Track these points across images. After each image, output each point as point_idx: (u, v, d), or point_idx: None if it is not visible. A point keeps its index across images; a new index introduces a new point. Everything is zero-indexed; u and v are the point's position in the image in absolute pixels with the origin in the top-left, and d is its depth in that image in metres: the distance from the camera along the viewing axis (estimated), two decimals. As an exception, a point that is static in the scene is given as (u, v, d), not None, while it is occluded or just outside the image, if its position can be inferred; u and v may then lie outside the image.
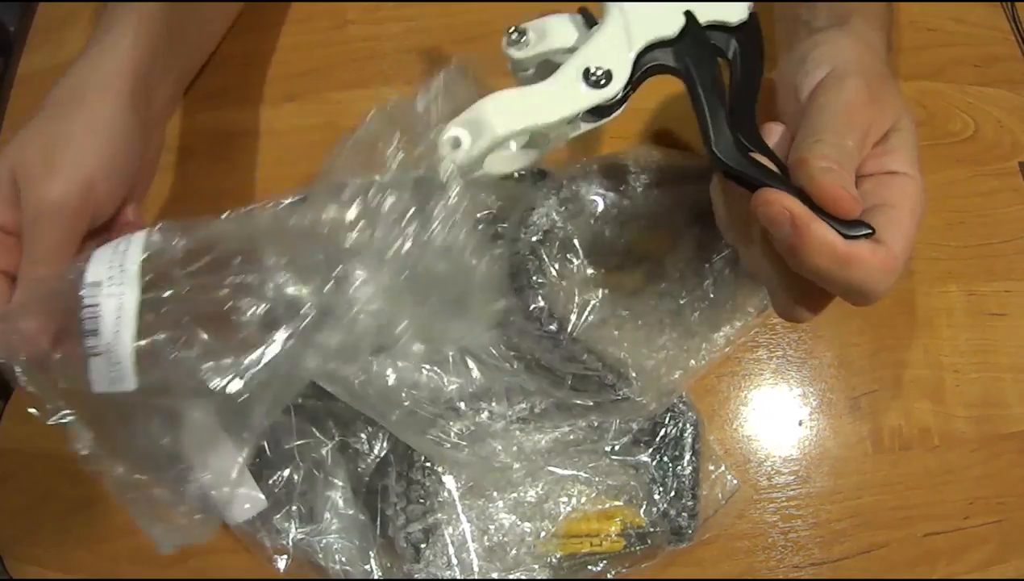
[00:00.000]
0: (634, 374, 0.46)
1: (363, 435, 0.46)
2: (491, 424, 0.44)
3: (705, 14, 0.35)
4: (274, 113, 0.57)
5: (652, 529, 0.44)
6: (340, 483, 0.45)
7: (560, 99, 0.33)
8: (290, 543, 0.44)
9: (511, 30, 0.37)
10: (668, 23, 0.34)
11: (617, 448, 0.45)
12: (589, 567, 0.44)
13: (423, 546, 0.43)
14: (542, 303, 0.47)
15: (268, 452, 0.45)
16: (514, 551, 0.43)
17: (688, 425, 0.45)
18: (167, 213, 0.55)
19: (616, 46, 0.34)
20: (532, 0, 0.58)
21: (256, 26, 0.59)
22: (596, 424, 0.45)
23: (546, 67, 0.37)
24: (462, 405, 0.44)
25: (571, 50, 0.35)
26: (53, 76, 0.62)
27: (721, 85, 0.34)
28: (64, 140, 0.39)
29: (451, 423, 0.44)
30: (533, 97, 0.33)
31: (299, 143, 0.55)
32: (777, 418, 0.48)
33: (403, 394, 0.44)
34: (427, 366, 0.45)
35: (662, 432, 0.46)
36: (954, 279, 0.51)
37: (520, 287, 0.47)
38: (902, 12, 0.58)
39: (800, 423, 0.48)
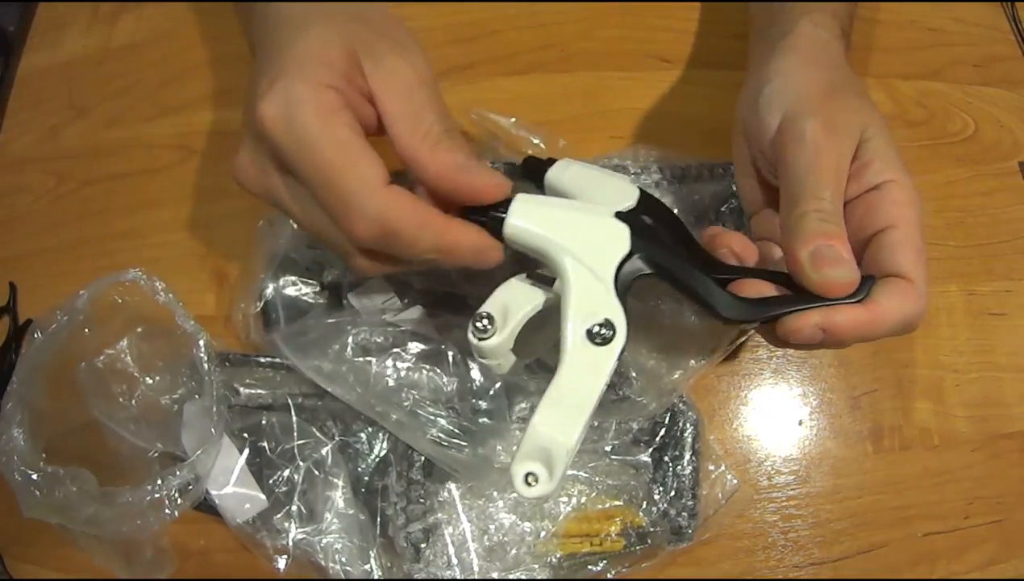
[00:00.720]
0: (634, 374, 0.46)
1: (363, 435, 0.46)
2: (491, 424, 0.44)
3: (613, 208, 0.37)
4: (274, 113, 0.57)
5: (652, 529, 0.44)
6: (340, 483, 0.45)
7: (590, 377, 0.32)
8: (290, 543, 0.44)
9: (474, 323, 0.35)
10: (614, 238, 0.35)
11: (617, 448, 0.45)
12: (589, 567, 0.44)
13: (423, 546, 0.43)
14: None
15: (268, 452, 0.46)
16: (514, 551, 0.43)
17: (688, 425, 0.45)
18: (167, 213, 0.55)
19: (594, 291, 0.33)
20: (532, 0, 0.59)
21: (256, 26, 0.59)
22: (596, 424, 0.45)
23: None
24: (462, 405, 0.44)
25: (541, 311, 0.36)
26: (53, 76, 0.63)
27: (682, 254, 0.37)
28: (388, 27, 0.36)
29: (451, 423, 0.44)
30: (570, 393, 0.32)
31: (299, 143, 0.55)
32: (777, 418, 0.48)
33: (403, 394, 0.44)
34: (427, 366, 0.45)
35: (662, 432, 0.46)
36: (954, 279, 0.51)
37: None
38: (902, 12, 0.58)
39: (800, 423, 0.48)
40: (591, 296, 0.33)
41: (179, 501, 0.42)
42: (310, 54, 0.33)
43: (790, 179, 0.35)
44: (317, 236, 0.36)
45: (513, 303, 0.36)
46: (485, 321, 0.35)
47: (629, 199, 0.38)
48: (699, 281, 0.34)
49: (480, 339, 0.35)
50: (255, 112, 0.32)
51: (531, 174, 0.43)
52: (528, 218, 0.35)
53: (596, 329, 0.32)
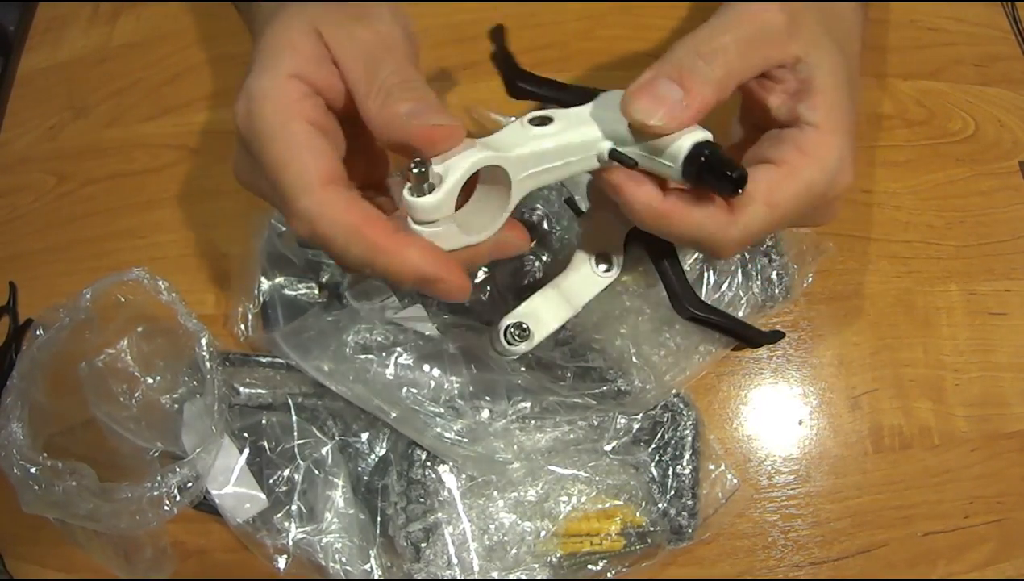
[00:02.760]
0: (635, 369, 0.46)
1: (363, 435, 0.46)
2: (491, 423, 0.44)
3: None
4: (274, 113, 0.57)
5: (652, 528, 0.44)
6: (340, 482, 0.45)
7: (585, 290, 0.41)
8: (290, 542, 0.44)
9: (409, 170, 0.30)
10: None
11: (617, 447, 0.45)
12: (589, 566, 0.44)
13: (423, 545, 0.43)
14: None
15: (268, 452, 0.46)
16: (514, 550, 0.43)
17: (688, 424, 0.45)
18: (167, 213, 0.55)
19: (609, 232, 0.41)
20: (532, 0, 0.59)
21: (256, 26, 0.59)
22: (596, 423, 0.45)
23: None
24: (462, 403, 0.44)
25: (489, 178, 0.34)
26: (53, 76, 0.63)
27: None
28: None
29: (451, 421, 0.44)
30: (566, 294, 0.40)
31: (299, 143, 0.55)
32: (777, 417, 0.48)
33: (403, 392, 0.44)
34: (427, 365, 0.45)
35: (662, 431, 0.46)
36: (954, 278, 0.51)
37: (521, 287, 0.47)
38: (902, 12, 0.58)
39: (800, 422, 0.48)
40: (606, 234, 0.41)
41: (178, 498, 0.43)
42: (275, 44, 0.32)
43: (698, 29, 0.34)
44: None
45: (456, 164, 0.31)
46: (422, 168, 0.30)
47: None
48: (678, 272, 0.40)
49: (417, 195, 0.30)
50: (234, 110, 0.33)
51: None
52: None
53: (601, 259, 0.41)
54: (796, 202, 0.33)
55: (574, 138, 0.33)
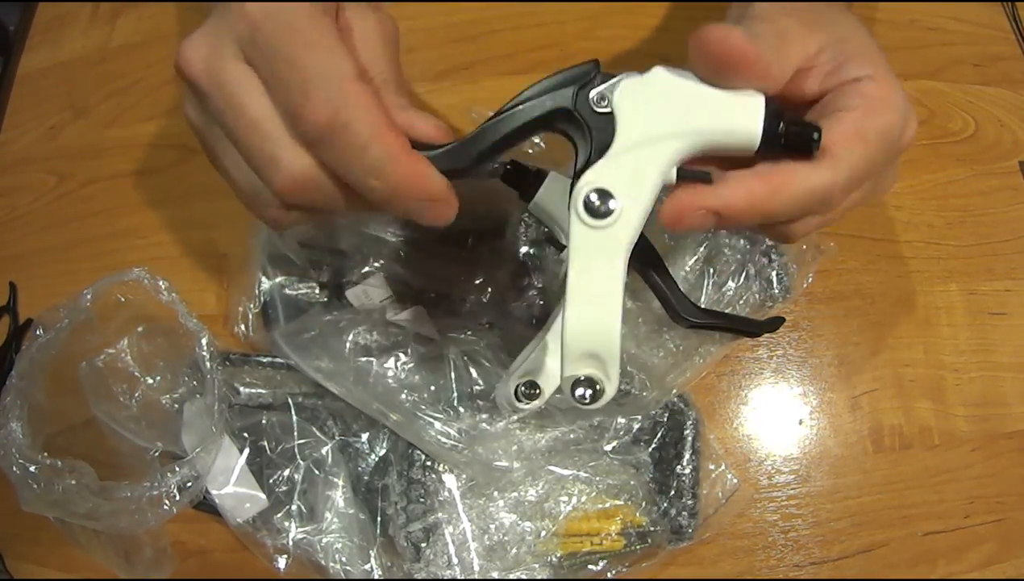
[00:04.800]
0: (635, 371, 0.46)
1: (364, 435, 0.46)
2: (491, 424, 0.44)
3: None
4: (274, 113, 0.57)
5: (652, 528, 0.44)
6: (341, 482, 0.45)
7: None
8: (290, 542, 0.44)
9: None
10: None
11: (617, 447, 0.45)
12: (589, 566, 0.44)
13: (423, 545, 0.43)
14: (541, 303, 0.47)
15: (269, 451, 0.46)
16: (514, 550, 0.43)
17: (688, 424, 0.45)
18: (167, 213, 0.55)
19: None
20: (532, 0, 0.59)
21: (256, 26, 0.59)
22: (596, 423, 0.45)
23: None
24: (461, 407, 0.44)
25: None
26: (53, 75, 0.63)
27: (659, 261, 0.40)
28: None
29: (451, 425, 0.44)
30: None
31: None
32: (777, 417, 0.48)
33: (403, 395, 0.44)
34: (427, 369, 0.45)
35: (662, 431, 0.46)
36: (954, 278, 0.51)
37: (521, 288, 0.47)
38: (902, 11, 0.58)
39: (800, 422, 0.48)
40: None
41: (178, 498, 0.43)
42: None
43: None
44: (236, 163, 0.32)
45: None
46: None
47: None
48: (669, 283, 0.40)
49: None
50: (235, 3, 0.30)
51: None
52: (554, 197, 0.40)
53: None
54: (883, 137, 0.31)
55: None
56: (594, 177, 0.29)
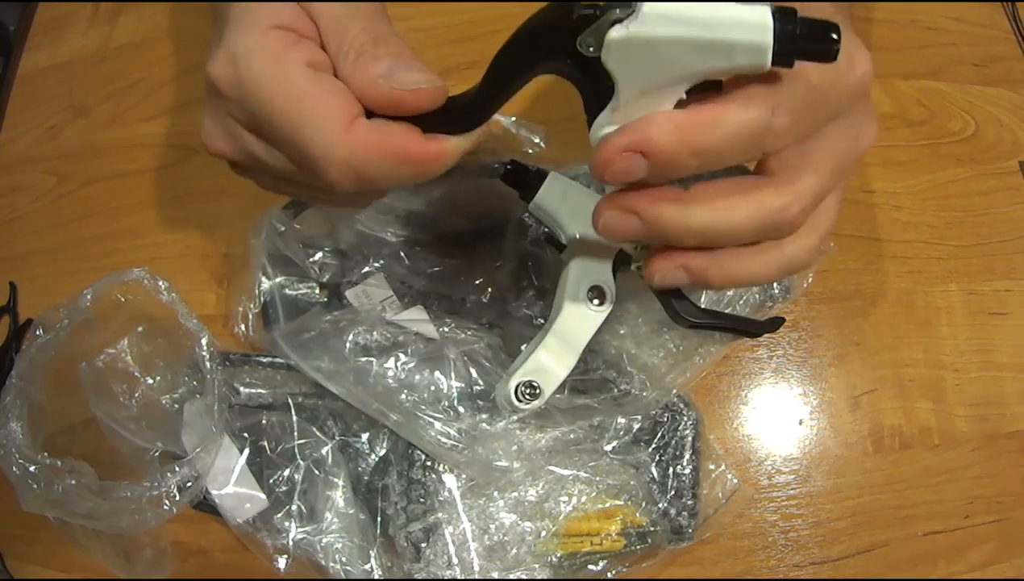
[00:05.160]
0: (635, 371, 0.46)
1: (364, 435, 0.46)
2: (491, 424, 0.44)
3: None
4: (274, 113, 0.57)
5: (652, 528, 0.44)
6: (341, 482, 0.45)
7: (582, 329, 0.40)
8: (290, 542, 0.44)
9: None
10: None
11: (617, 447, 0.45)
12: (589, 566, 0.44)
13: (424, 545, 0.43)
14: (541, 303, 0.47)
15: (269, 452, 0.46)
16: (514, 550, 0.43)
17: (688, 424, 0.45)
18: (168, 213, 0.55)
19: (595, 264, 0.41)
20: (532, 0, 0.59)
21: (256, 26, 0.59)
22: (596, 423, 0.45)
23: None
24: (461, 407, 0.44)
25: None
26: (53, 76, 0.63)
27: None
28: None
29: (450, 425, 0.44)
30: (565, 338, 0.40)
31: (299, 143, 0.55)
32: (777, 417, 0.48)
33: (403, 395, 0.44)
34: (427, 368, 0.45)
35: (662, 431, 0.46)
36: (954, 278, 0.51)
37: (521, 288, 0.47)
38: (902, 11, 0.58)
39: (800, 422, 0.48)
40: (593, 267, 0.40)
41: (178, 498, 0.43)
42: (248, 3, 0.31)
43: None
44: (296, 192, 0.35)
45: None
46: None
47: None
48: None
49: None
50: (207, 76, 0.31)
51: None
52: (554, 197, 0.41)
53: (594, 293, 0.40)
54: (824, 73, 0.28)
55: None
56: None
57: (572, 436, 0.45)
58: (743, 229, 0.29)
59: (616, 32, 0.26)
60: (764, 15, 0.26)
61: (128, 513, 0.41)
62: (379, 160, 0.29)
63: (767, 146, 0.28)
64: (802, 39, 0.26)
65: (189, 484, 0.43)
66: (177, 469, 0.43)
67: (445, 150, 0.30)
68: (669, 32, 0.26)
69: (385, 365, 0.45)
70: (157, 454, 0.45)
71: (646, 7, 0.26)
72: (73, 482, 0.41)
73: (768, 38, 0.26)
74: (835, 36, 0.26)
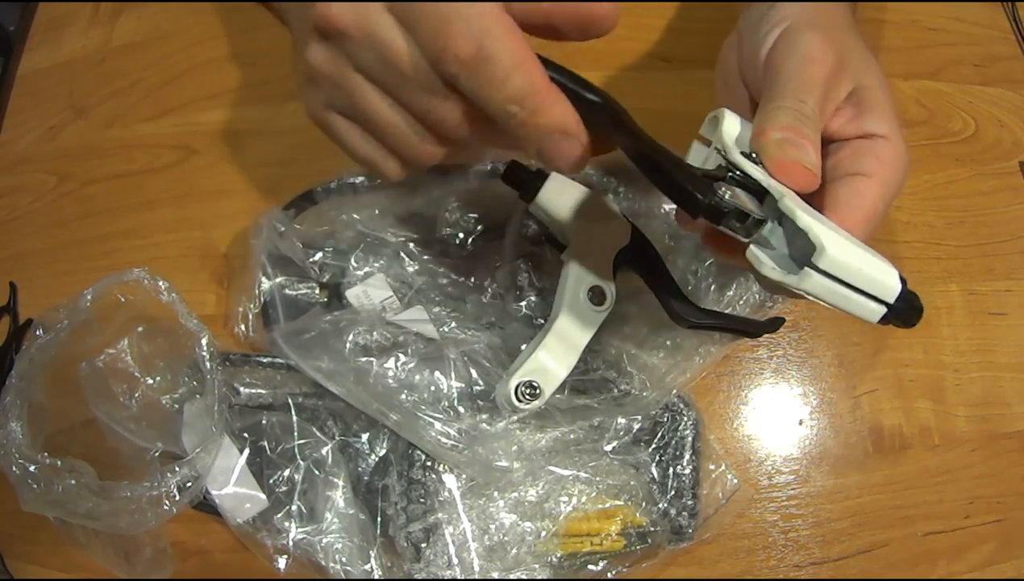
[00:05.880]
0: (635, 371, 0.46)
1: (364, 435, 0.46)
2: (491, 424, 0.44)
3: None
4: (274, 113, 0.57)
5: (652, 528, 0.44)
6: (341, 483, 0.45)
7: (583, 328, 0.41)
8: (290, 543, 0.44)
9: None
10: (619, 230, 0.42)
11: (617, 447, 0.45)
12: (589, 566, 0.44)
13: (424, 545, 0.43)
14: (541, 303, 0.47)
15: (269, 452, 0.46)
16: (515, 550, 0.43)
17: (688, 424, 0.45)
18: (168, 213, 0.55)
19: (596, 264, 0.41)
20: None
21: (256, 26, 0.59)
22: (596, 423, 0.45)
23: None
24: (461, 408, 0.44)
25: None
26: (53, 76, 0.63)
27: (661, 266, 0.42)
28: None
29: (450, 425, 0.44)
30: (566, 337, 0.40)
31: (299, 143, 0.55)
32: (777, 417, 0.48)
33: (403, 395, 0.44)
34: (427, 369, 0.45)
35: (662, 431, 0.46)
36: (954, 279, 0.51)
37: (521, 288, 0.47)
38: (902, 12, 0.58)
39: (800, 422, 0.48)
40: (593, 267, 0.41)
41: (178, 498, 0.43)
42: None
43: (774, 83, 0.34)
44: (385, 130, 0.33)
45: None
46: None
47: (623, 240, 0.42)
48: (669, 283, 0.41)
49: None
50: (316, 24, 0.30)
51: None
52: (554, 198, 0.41)
53: (594, 292, 0.41)
54: (889, 201, 0.34)
55: None
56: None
57: (572, 436, 0.45)
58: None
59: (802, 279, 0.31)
60: (894, 278, 0.32)
61: (128, 513, 0.41)
62: (508, 50, 0.29)
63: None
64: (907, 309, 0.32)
65: (189, 484, 0.43)
66: (177, 469, 0.43)
67: (561, 101, 0.30)
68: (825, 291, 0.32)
69: (385, 365, 0.45)
70: (157, 454, 0.45)
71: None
72: (73, 482, 0.41)
73: (891, 299, 0.32)
74: (920, 311, 0.32)
